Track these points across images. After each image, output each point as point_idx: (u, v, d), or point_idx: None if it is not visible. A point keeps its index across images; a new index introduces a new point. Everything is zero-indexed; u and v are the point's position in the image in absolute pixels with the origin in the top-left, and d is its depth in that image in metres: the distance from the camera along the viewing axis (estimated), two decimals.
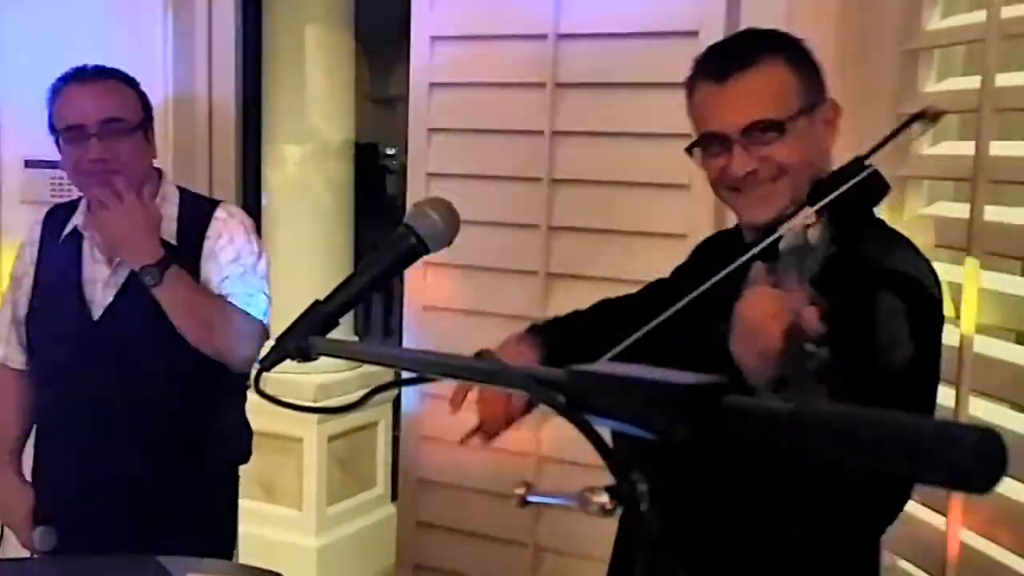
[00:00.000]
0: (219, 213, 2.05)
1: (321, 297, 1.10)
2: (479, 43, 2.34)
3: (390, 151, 6.81)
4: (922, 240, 1.77)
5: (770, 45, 1.38)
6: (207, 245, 2.00)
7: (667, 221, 2.16)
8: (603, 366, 0.54)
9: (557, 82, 2.24)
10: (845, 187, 1.23)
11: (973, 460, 0.40)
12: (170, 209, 2.03)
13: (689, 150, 1.41)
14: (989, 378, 1.57)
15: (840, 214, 1.25)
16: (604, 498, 0.52)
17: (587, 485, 0.55)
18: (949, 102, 1.75)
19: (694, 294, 1.08)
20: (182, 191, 2.10)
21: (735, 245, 1.32)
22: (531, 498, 0.62)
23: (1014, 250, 1.62)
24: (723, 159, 1.36)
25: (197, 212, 2.05)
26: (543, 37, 2.24)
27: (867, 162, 1.27)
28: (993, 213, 1.57)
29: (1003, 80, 1.55)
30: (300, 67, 3.89)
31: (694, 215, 2.10)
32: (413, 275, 2.45)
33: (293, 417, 3.71)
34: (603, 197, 2.24)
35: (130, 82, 2.03)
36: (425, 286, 2.45)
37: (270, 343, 1.18)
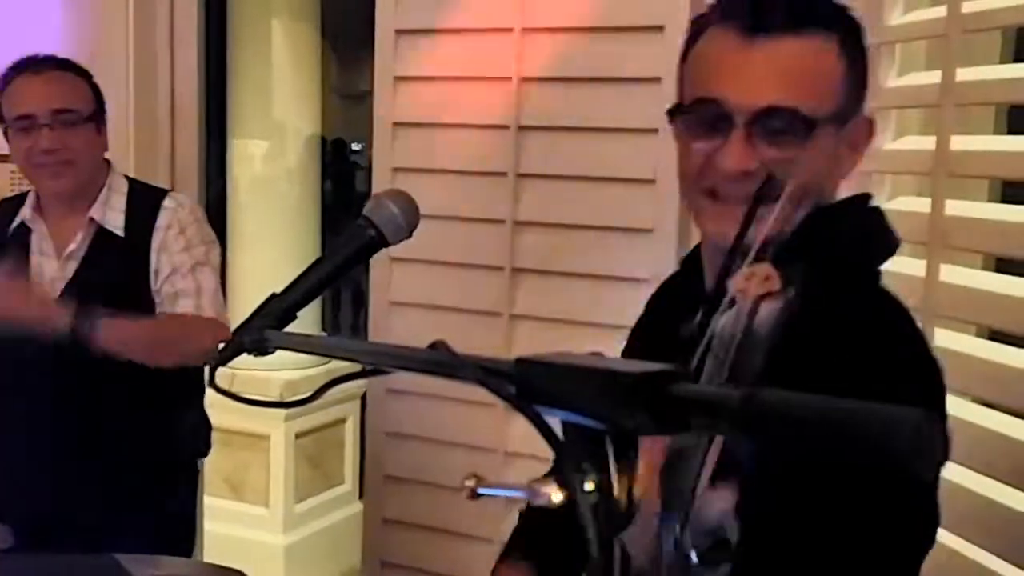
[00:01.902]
0: (168, 203, 2.03)
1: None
2: (444, 37, 2.33)
3: (358, 147, 6.78)
4: None
5: (828, 15, 1.03)
6: (157, 236, 1.98)
7: (633, 216, 2.16)
8: (552, 356, 0.53)
9: (522, 76, 2.24)
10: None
11: (913, 443, 0.39)
12: (118, 200, 2.01)
13: (672, 114, 1.06)
14: (952, 372, 1.57)
15: (819, 276, 0.92)
16: (551, 489, 0.51)
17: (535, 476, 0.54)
18: (911, 97, 1.76)
19: None
20: (131, 181, 2.08)
21: (692, 293, 1.10)
22: (481, 490, 0.61)
23: (975, 244, 1.63)
24: (713, 143, 1.02)
25: (145, 203, 2.03)
26: (508, 31, 2.23)
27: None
28: (955, 207, 1.58)
29: (964, 75, 1.56)
30: (266, 61, 3.88)
31: (659, 210, 2.10)
32: (379, 271, 2.43)
33: (260, 414, 3.70)
34: (569, 192, 2.24)
35: (83, 73, 2.01)
36: (391, 282, 2.43)
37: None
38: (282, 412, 3.76)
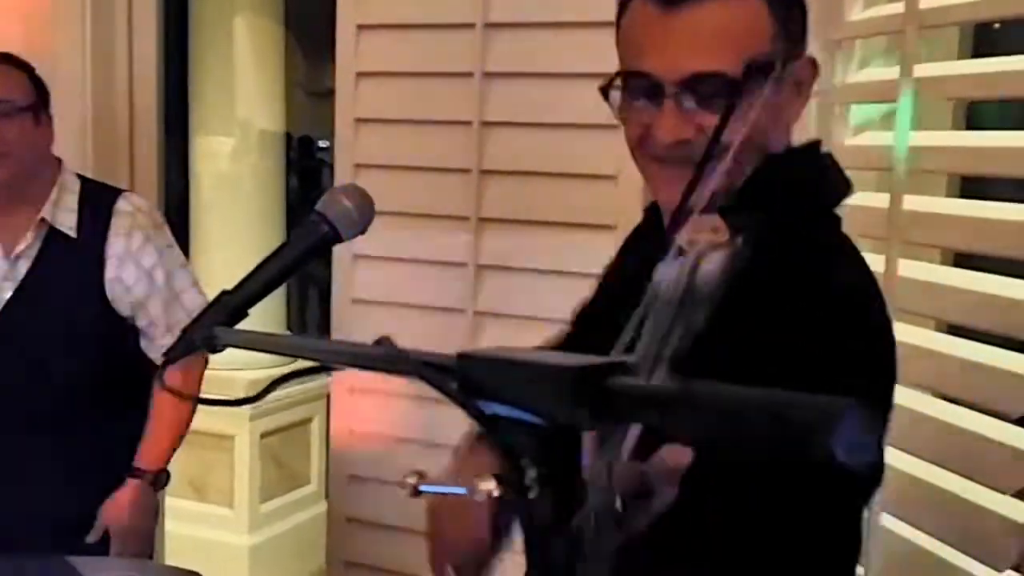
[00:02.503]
0: (124, 206, 1.99)
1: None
2: (406, 32, 2.31)
3: (325, 144, 6.74)
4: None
5: None
6: (117, 243, 1.94)
7: (596, 212, 2.15)
8: (494, 350, 0.52)
9: (485, 71, 2.22)
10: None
11: (843, 431, 0.39)
12: (70, 199, 1.97)
13: (605, 91, 1.06)
14: (910, 367, 1.58)
15: (771, 223, 0.92)
16: (491, 485, 0.50)
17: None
18: (870, 92, 1.77)
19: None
20: (83, 180, 2.04)
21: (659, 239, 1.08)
22: (423, 487, 0.60)
23: (933, 239, 1.63)
24: (648, 114, 1.02)
25: (99, 203, 1.99)
26: (471, 26, 2.22)
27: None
28: (913, 203, 1.59)
29: (921, 70, 1.57)
30: (228, 58, 3.84)
31: (622, 206, 2.09)
32: (341, 268, 2.41)
33: (225, 415, 3.66)
34: (532, 188, 2.23)
35: (22, 66, 1.97)
36: (354, 279, 2.41)
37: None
38: (247, 412, 3.73)
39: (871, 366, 1.00)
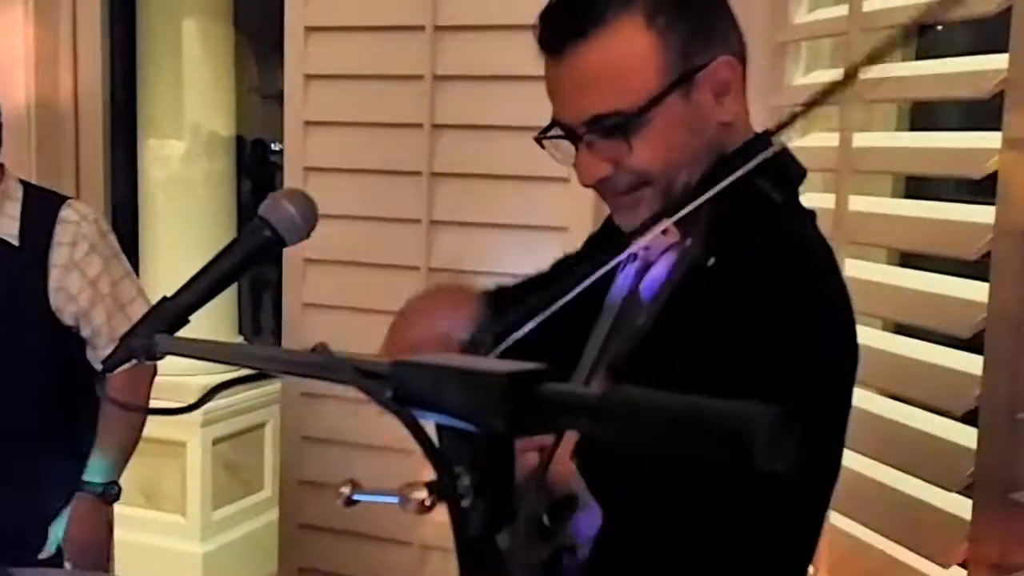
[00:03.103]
0: (69, 214, 1.94)
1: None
2: (356, 34, 2.29)
3: (279, 147, 6.69)
4: None
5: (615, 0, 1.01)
6: (62, 251, 1.90)
7: (547, 214, 2.15)
8: (428, 357, 0.52)
9: (436, 75, 2.21)
10: (709, 194, 0.92)
11: (768, 438, 0.39)
12: (12, 207, 1.92)
13: (539, 141, 1.10)
14: (859, 366, 1.60)
15: (727, 219, 0.97)
16: (422, 494, 0.50)
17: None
18: None
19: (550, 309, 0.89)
20: (26, 187, 1.99)
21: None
22: (357, 496, 0.60)
23: (879, 239, 1.65)
24: (575, 155, 1.06)
25: (42, 211, 1.94)
26: (421, 29, 2.21)
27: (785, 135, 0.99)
28: (858, 203, 1.60)
29: (866, 72, 1.58)
30: (177, 60, 3.79)
31: (574, 208, 2.09)
32: (292, 273, 2.39)
33: (175, 421, 3.61)
34: (484, 191, 2.22)
35: None
36: (304, 284, 2.39)
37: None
38: (198, 418, 3.68)
39: (823, 370, 0.98)
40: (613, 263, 1.00)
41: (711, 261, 0.99)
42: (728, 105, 1.05)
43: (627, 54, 1.00)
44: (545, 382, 0.46)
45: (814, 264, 1.03)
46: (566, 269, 1.33)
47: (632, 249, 1.03)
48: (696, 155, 1.04)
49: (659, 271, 1.08)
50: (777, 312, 0.95)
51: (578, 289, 0.92)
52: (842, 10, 1.64)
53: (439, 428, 0.53)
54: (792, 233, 1.04)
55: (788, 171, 1.07)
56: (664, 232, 1.01)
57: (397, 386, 0.53)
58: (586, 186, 1.07)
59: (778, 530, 0.97)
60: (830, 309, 1.01)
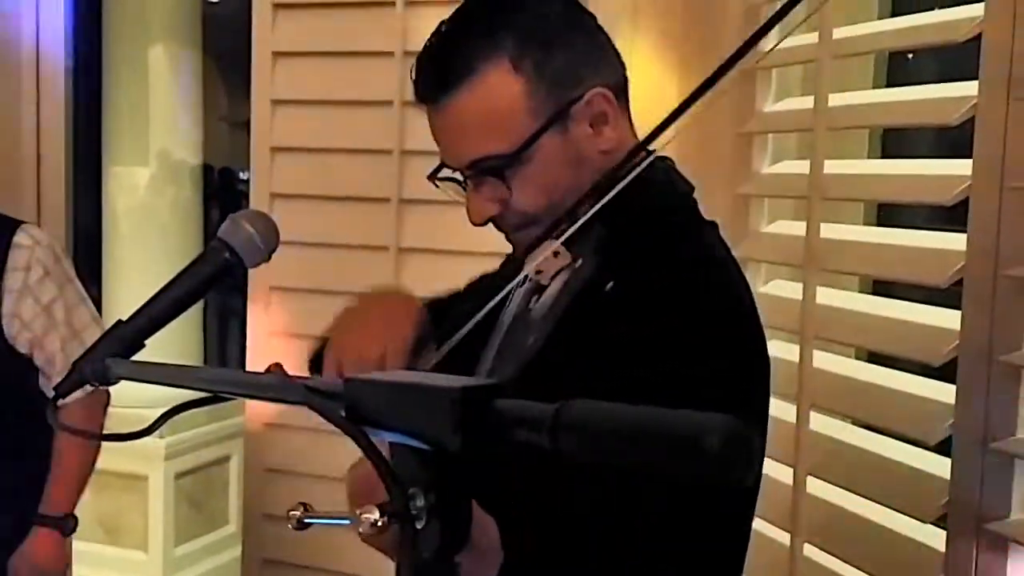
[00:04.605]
0: (23, 239, 1.90)
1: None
2: (323, 60, 2.27)
3: (246, 175, 6.64)
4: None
5: (487, 39, 1.02)
6: (16, 277, 1.87)
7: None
8: (380, 374, 0.49)
9: (404, 100, 2.19)
10: (590, 212, 0.93)
11: (722, 449, 0.37)
12: None
13: (433, 180, 1.13)
14: (829, 393, 1.58)
15: (616, 237, 0.99)
16: (374, 515, 0.47)
17: None
18: (786, 122, 1.78)
19: (458, 334, 0.92)
20: None
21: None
22: (308, 519, 0.57)
23: (851, 267, 1.64)
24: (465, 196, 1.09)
25: None
26: (389, 54, 2.19)
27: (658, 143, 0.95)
28: (829, 230, 1.59)
29: (836, 100, 1.58)
30: (144, 86, 3.75)
31: None
32: (257, 300, 2.35)
33: (137, 454, 3.54)
34: (454, 217, 2.18)
35: None
36: (270, 312, 2.35)
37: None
38: (160, 451, 3.62)
39: (716, 390, 0.95)
40: (507, 289, 1.01)
41: (609, 286, 0.99)
42: (607, 134, 1.06)
43: (497, 99, 1.02)
44: (499, 397, 0.44)
45: (700, 283, 1.01)
46: (481, 286, 1.33)
47: (525, 272, 1.05)
48: (581, 187, 1.04)
49: (551, 291, 1.08)
50: (664, 337, 0.94)
51: (480, 315, 0.93)
52: (812, 37, 1.64)
53: (392, 448, 0.50)
54: (680, 250, 1.04)
55: (674, 185, 1.08)
56: (555, 254, 1.03)
57: (350, 404, 0.50)
58: (476, 225, 1.11)
59: (707, 545, 0.96)
60: (714, 328, 0.98)
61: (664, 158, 1.08)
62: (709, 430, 0.39)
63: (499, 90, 1.02)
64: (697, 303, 0.99)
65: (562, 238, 0.98)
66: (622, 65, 1.11)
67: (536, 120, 1.02)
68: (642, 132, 1.03)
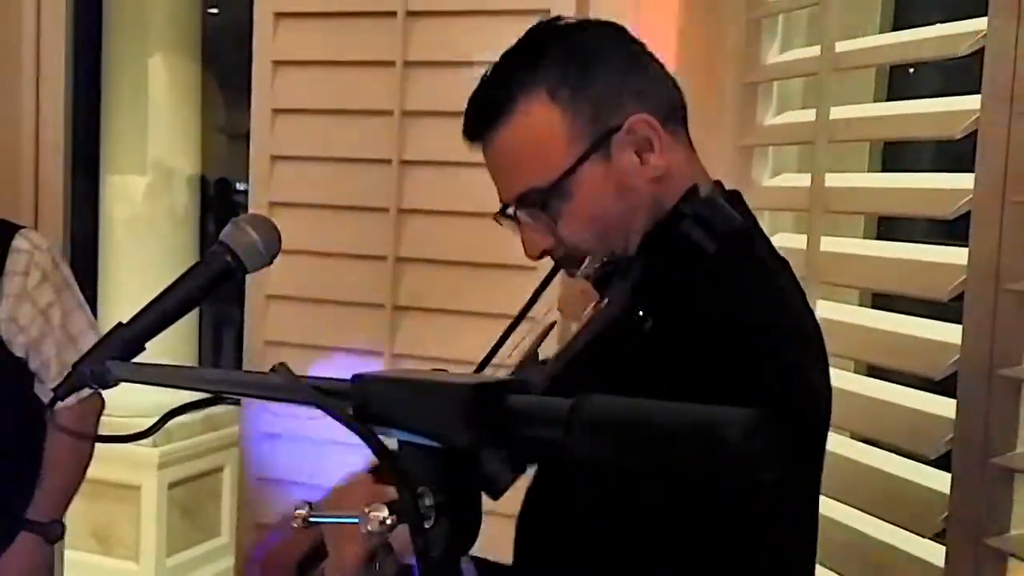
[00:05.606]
0: (21, 244, 1.90)
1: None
2: (323, 68, 2.27)
3: (243, 187, 6.64)
4: None
5: (526, 74, 1.02)
6: (15, 281, 1.86)
7: (515, 253, 2.11)
8: (390, 372, 0.48)
9: (404, 110, 2.19)
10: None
11: (746, 441, 0.37)
12: None
13: (497, 220, 1.13)
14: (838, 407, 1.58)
15: (658, 276, 0.97)
16: (383, 513, 0.46)
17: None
18: (787, 134, 1.78)
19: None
20: None
21: None
22: (313, 518, 0.57)
23: (850, 280, 1.64)
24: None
25: None
26: (390, 64, 2.19)
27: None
28: (830, 244, 1.59)
29: (838, 113, 1.58)
30: (143, 96, 3.75)
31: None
32: (254, 309, 2.34)
33: (130, 463, 3.52)
34: (451, 227, 2.19)
35: None
36: (267, 320, 2.34)
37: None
38: (154, 461, 3.60)
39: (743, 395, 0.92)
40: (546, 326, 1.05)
41: (648, 325, 0.95)
42: (653, 161, 1.03)
43: (534, 130, 1.02)
44: (511, 394, 0.43)
45: (747, 318, 0.96)
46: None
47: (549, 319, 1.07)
48: (630, 218, 1.03)
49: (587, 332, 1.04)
50: (707, 379, 0.90)
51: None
52: (813, 51, 1.64)
53: (401, 446, 0.50)
54: (723, 286, 0.99)
55: (717, 219, 1.02)
56: (582, 292, 1.03)
57: (358, 403, 0.49)
58: (533, 259, 1.11)
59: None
60: (766, 368, 0.94)
61: (726, 190, 1.06)
62: (730, 422, 0.38)
63: (536, 120, 1.02)
64: (731, 347, 0.92)
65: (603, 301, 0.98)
66: (676, 89, 1.08)
67: (576, 150, 1.01)
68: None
